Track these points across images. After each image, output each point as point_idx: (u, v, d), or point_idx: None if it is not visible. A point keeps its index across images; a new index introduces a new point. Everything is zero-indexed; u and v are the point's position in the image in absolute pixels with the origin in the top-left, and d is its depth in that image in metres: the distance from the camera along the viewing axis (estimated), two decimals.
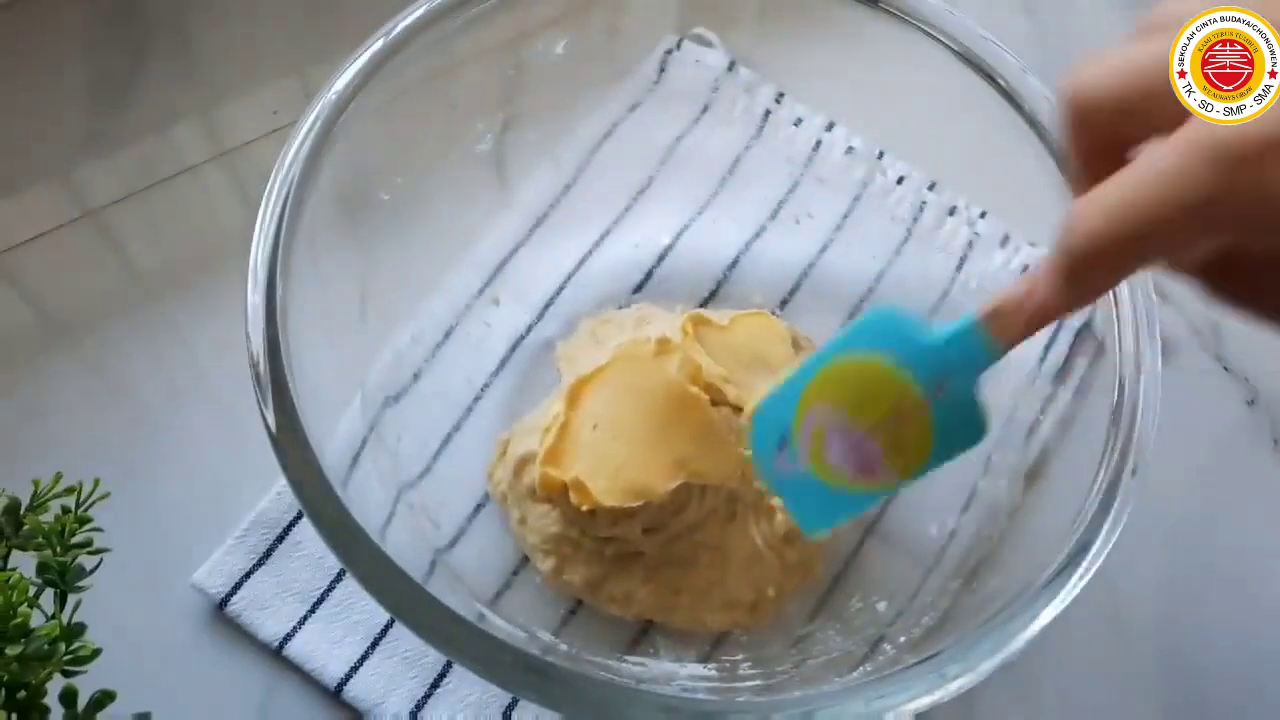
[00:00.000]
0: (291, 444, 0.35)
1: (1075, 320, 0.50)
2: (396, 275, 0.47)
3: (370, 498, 0.39)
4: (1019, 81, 0.43)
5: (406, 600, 0.33)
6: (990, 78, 0.44)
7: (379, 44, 0.42)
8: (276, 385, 0.36)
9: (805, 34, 0.53)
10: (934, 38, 0.45)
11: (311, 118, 0.40)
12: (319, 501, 0.34)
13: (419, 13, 0.42)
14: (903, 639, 0.41)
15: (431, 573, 0.42)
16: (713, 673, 0.44)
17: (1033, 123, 0.43)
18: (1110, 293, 0.40)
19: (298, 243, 0.38)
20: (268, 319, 0.36)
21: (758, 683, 0.43)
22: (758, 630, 0.45)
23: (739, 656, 0.44)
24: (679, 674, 0.43)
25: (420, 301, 0.50)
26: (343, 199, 0.42)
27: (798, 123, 0.56)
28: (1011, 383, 0.48)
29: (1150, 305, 0.40)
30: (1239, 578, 0.42)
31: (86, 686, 0.33)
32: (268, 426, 0.35)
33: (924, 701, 0.33)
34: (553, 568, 0.44)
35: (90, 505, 0.35)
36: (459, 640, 0.33)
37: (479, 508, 0.47)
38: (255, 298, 0.37)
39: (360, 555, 0.34)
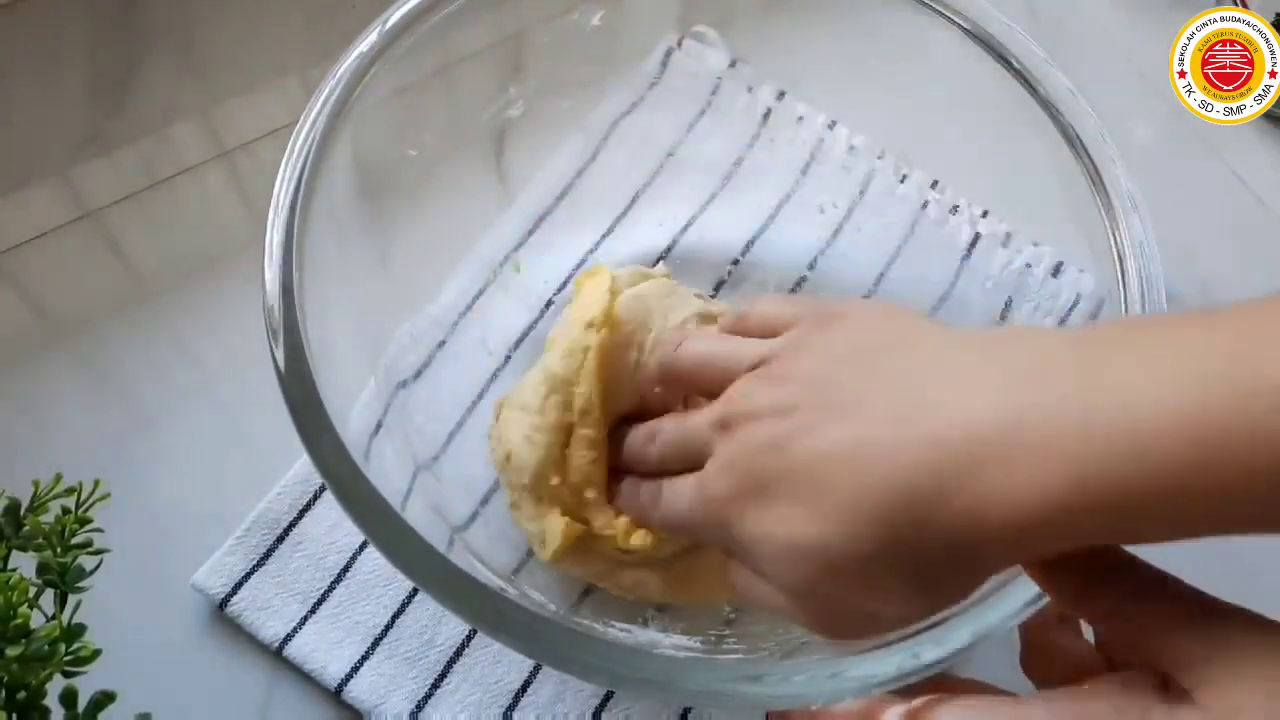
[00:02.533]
0: (312, 420, 0.35)
1: (1079, 318, 0.50)
2: (409, 259, 0.47)
3: (388, 478, 0.39)
4: (1040, 70, 0.43)
5: (428, 566, 0.34)
6: (1005, 60, 0.44)
7: (389, 22, 0.42)
8: (293, 360, 0.35)
9: (807, 29, 0.53)
10: (947, 18, 0.44)
11: (325, 94, 0.40)
12: (341, 472, 0.34)
13: None
14: None
15: (449, 551, 0.41)
16: (696, 644, 0.44)
17: (1047, 106, 0.43)
18: (1120, 294, 0.41)
19: (313, 222, 0.38)
20: (284, 297, 0.36)
21: (739, 656, 0.43)
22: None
23: (725, 632, 0.45)
24: (663, 643, 0.43)
25: (433, 287, 0.50)
26: (355, 179, 0.42)
27: (800, 120, 0.56)
28: None
29: (1159, 308, 0.40)
30: (1239, 577, 0.41)
31: (87, 687, 0.33)
32: (288, 400, 0.35)
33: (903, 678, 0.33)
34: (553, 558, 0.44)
35: (90, 506, 0.35)
36: (480, 604, 0.33)
37: (494, 488, 0.47)
38: (270, 278, 0.37)
39: (382, 523, 0.34)
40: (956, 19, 0.45)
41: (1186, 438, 0.24)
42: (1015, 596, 0.34)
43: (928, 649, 0.33)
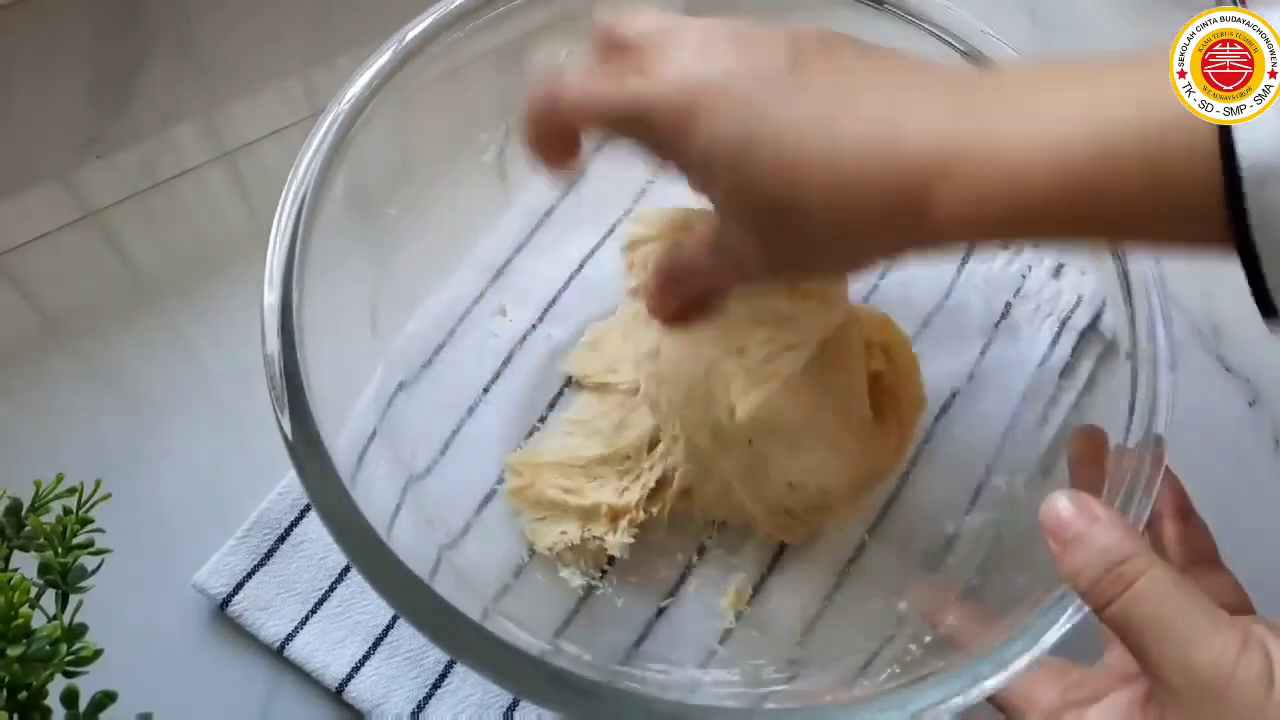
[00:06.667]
0: (306, 446, 0.35)
1: (1080, 320, 0.50)
2: (407, 273, 0.47)
3: (377, 493, 0.39)
4: None
5: (413, 599, 0.34)
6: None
7: (390, 53, 0.42)
8: (291, 387, 0.36)
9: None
10: (936, 35, 0.45)
11: (326, 124, 0.40)
12: (331, 502, 0.34)
13: (427, 22, 0.43)
14: (928, 638, 0.41)
15: (436, 570, 0.42)
16: (736, 677, 0.43)
17: None
18: (1125, 296, 0.41)
19: (312, 248, 0.39)
20: (283, 322, 0.37)
21: (782, 686, 0.42)
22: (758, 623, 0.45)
23: (760, 661, 0.44)
24: (703, 680, 0.43)
25: (429, 297, 0.50)
26: (355, 199, 0.42)
27: None
28: (1015, 384, 0.48)
29: (1166, 309, 0.40)
30: (1240, 579, 0.42)
31: (88, 687, 0.33)
32: (282, 429, 0.35)
33: (956, 703, 0.33)
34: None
35: (92, 506, 0.35)
36: (464, 641, 0.33)
37: (483, 505, 0.47)
38: (271, 299, 0.37)
39: (368, 553, 0.34)
40: (941, 33, 0.45)
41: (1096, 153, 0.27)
42: (1065, 604, 0.35)
43: (985, 666, 0.34)
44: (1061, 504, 0.33)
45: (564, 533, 0.45)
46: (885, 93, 0.31)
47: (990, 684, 0.33)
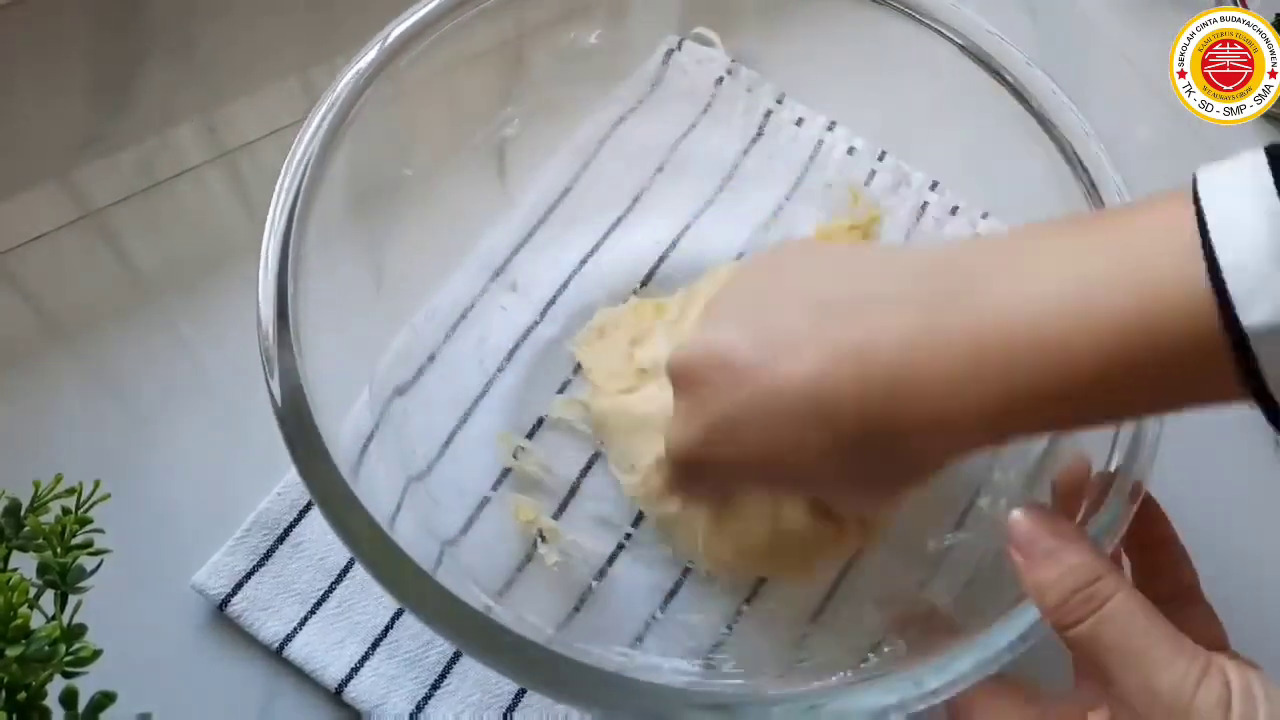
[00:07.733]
0: (302, 437, 0.35)
1: None
2: (405, 270, 0.47)
3: (378, 489, 0.39)
4: (1025, 75, 0.43)
5: (415, 588, 0.34)
6: (996, 72, 0.44)
7: (384, 43, 0.42)
8: (290, 384, 0.36)
9: (807, 33, 0.53)
10: (940, 33, 0.45)
11: (323, 111, 0.40)
12: (330, 491, 0.34)
13: (427, 9, 0.43)
14: (887, 649, 0.41)
15: (439, 566, 0.42)
16: (696, 668, 0.44)
17: (1039, 116, 0.43)
18: None
19: (309, 234, 0.38)
20: (279, 318, 0.36)
21: (739, 682, 0.43)
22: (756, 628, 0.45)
23: (724, 655, 0.44)
24: (662, 667, 0.43)
25: (428, 296, 0.50)
26: (352, 193, 0.42)
27: (799, 122, 0.56)
28: None
29: None
30: (1240, 580, 0.41)
31: (87, 688, 0.33)
32: (279, 416, 0.35)
33: (893, 705, 0.33)
34: None
35: (91, 506, 0.35)
36: (468, 628, 0.33)
37: (485, 501, 0.47)
38: (265, 292, 0.37)
39: (369, 543, 0.34)
40: (945, 30, 0.45)
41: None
42: (1020, 620, 0.34)
43: (931, 677, 0.33)
44: (1030, 518, 0.33)
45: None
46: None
47: (931, 690, 0.33)
